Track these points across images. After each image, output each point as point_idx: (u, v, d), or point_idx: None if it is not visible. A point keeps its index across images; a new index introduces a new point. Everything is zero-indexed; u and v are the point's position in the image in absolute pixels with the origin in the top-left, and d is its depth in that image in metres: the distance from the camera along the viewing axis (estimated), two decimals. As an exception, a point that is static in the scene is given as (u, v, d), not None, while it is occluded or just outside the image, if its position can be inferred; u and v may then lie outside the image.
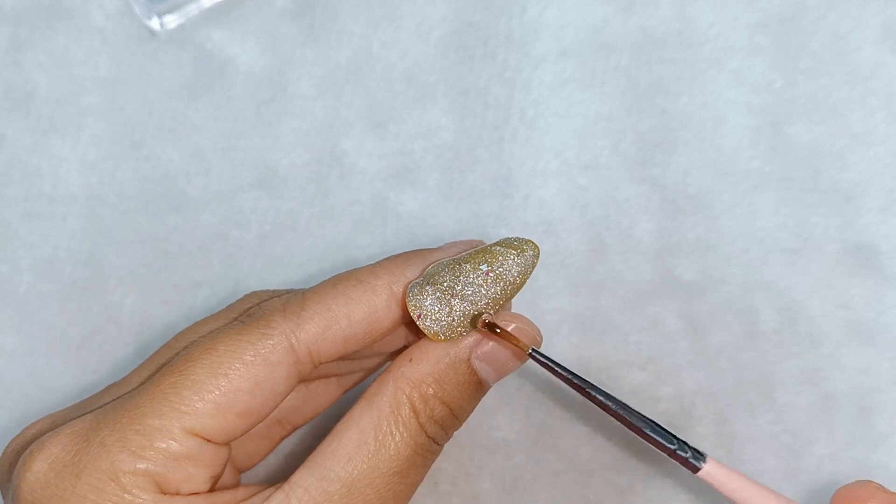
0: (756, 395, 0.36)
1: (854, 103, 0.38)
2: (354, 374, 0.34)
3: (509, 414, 0.36)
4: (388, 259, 0.29)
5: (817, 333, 0.36)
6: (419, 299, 0.28)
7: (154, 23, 0.39)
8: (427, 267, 0.29)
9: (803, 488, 0.35)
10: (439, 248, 0.30)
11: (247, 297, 0.31)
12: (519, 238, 0.29)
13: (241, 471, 0.33)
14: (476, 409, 0.36)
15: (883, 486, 0.30)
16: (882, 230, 0.37)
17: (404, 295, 0.28)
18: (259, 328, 0.27)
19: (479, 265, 0.28)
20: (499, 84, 0.39)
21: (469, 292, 0.28)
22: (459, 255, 0.29)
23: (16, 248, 0.38)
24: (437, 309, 0.28)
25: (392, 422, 0.27)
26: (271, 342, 0.27)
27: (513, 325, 0.29)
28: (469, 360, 0.28)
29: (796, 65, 0.39)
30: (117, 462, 0.25)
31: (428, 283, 0.28)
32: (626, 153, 0.38)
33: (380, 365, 0.34)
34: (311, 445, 0.35)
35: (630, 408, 0.30)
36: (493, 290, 0.28)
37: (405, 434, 0.27)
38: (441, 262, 0.29)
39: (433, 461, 0.29)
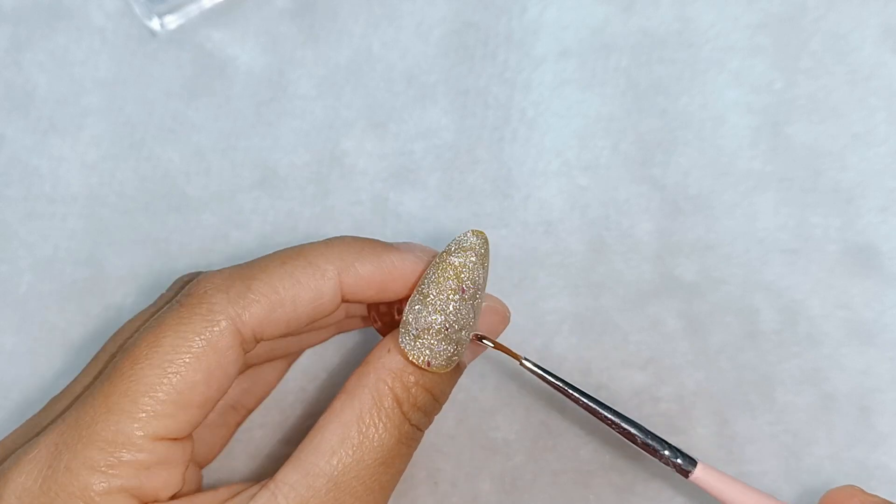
0: (756, 395, 0.36)
1: (854, 103, 0.38)
2: (299, 349, 0.34)
3: (509, 414, 0.36)
4: (340, 242, 0.28)
5: (817, 333, 0.36)
6: (421, 352, 0.27)
7: (154, 23, 0.39)
8: (406, 311, 0.28)
9: (803, 489, 0.35)
10: (395, 248, 0.29)
11: (177, 280, 0.31)
12: (461, 237, 0.29)
13: (201, 466, 0.32)
14: (476, 410, 0.36)
15: (863, 490, 0.31)
16: (882, 230, 0.37)
17: (389, 332, 0.28)
18: (201, 313, 0.26)
19: (450, 287, 0.28)
20: (499, 84, 0.39)
21: (458, 318, 0.28)
22: (425, 285, 0.28)
23: (16, 249, 0.38)
24: (443, 349, 0.28)
25: (375, 413, 0.27)
26: (217, 328, 0.26)
27: (484, 305, 0.29)
28: None
29: (796, 65, 0.39)
30: (89, 484, 0.24)
31: (421, 336, 0.27)
32: (626, 153, 0.38)
33: (325, 339, 0.34)
34: (295, 442, 0.36)
35: (621, 414, 0.30)
36: (472, 300, 0.28)
37: (388, 424, 0.27)
38: (416, 306, 0.28)
39: (416, 447, 0.29)
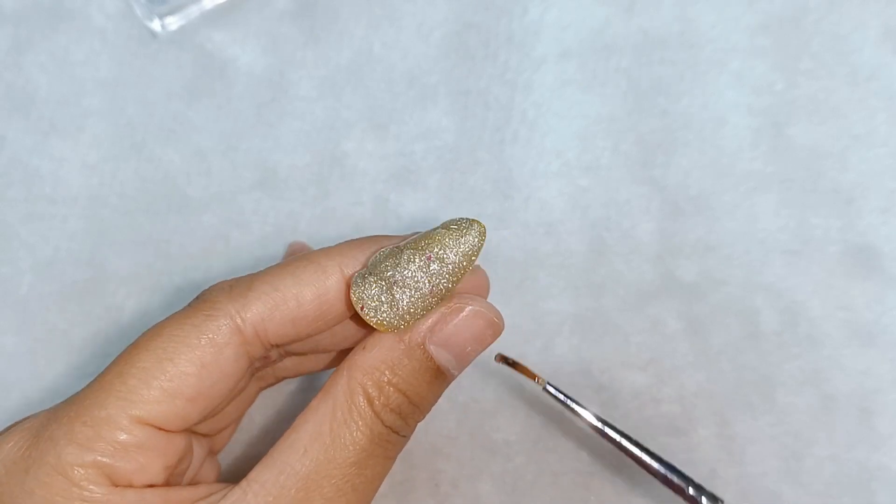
0: (757, 396, 0.36)
1: (855, 104, 0.38)
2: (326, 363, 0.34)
3: (510, 416, 0.36)
4: (344, 242, 0.29)
5: (818, 334, 0.37)
6: (361, 290, 0.27)
7: (155, 24, 0.39)
8: (370, 256, 0.28)
9: (804, 489, 0.35)
10: (397, 236, 0.29)
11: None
12: (462, 219, 0.28)
13: (215, 452, 0.32)
14: (477, 411, 0.36)
15: None
16: (883, 231, 0.37)
17: (349, 287, 0.28)
18: (203, 310, 0.27)
19: (420, 251, 0.27)
20: (500, 85, 0.39)
21: (410, 280, 0.27)
22: (401, 243, 0.28)
23: (17, 249, 0.38)
24: (380, 298, 0.27)
25: (346, 411, 0.27)
26: (216, 323, 0.26)
27: (469, 308, 0.28)
28: (423, 344, 0.28)
29: (797, 66, 0.39)
30: (65, 455, 0.25)
31: (370, 274, 0.27)
32: (627, 154, 0.38)
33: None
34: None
35: (648, 450, 0.30)
36: (436, 275, 0.27)
37: (360, 423, 0.27)
38: (382, 251, 0.28)
39: (396, 452, 0.28)
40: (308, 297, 0.27)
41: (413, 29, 0.39)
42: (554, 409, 0.36)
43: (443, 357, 0.28)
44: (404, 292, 0.27)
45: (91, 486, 0.25)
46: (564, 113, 0.39)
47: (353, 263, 0.28)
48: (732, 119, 0.38)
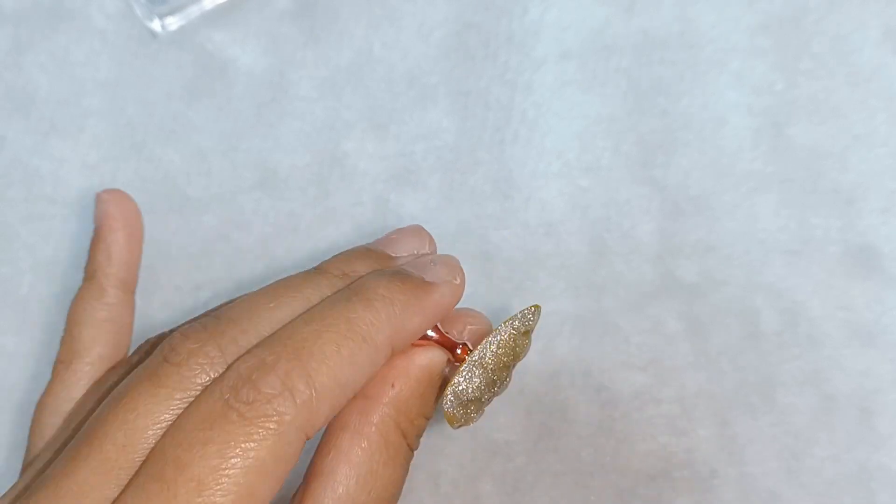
0: (757, 396, 0.36)
1: (855, 105, 0.38)
2: None
3: (510, 416, 0.36)
4: (384, 302, 0.26)
5: (818, 335, 0.37)
6: (467, 419, 0.29)
7: (155, 24, 0.39)
8: (456, 377, 0.29)
9: (804, 490, 0.35)
10: (433, 287, 0.28)
11: (144, 343, 0.30)
12: (529, 313, 0.30)
13: None
14: (478, 411, 0.36)
15: None
16: (883, 231, 0.37)
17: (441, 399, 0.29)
18: (269, 425, 0.23)
19: (511, 373, 0.30)
20: (500, 85, 0.39)
21: (500, 391, 0.30)
22: (489, 365, 0.29)
23: (17, 250, 0.38)
24: (475, 415, 0.30)
25: (385, 451, 0.27)
26: (291, 450, 0.23)
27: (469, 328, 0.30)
28: (443, 371, 0.29)
29: (797, 66, 0.39)
30: None
31: (471, 407, 0.29)
32: (627, 155, 0.38)
33: None
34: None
35: None
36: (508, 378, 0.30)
37: (398, 459, 0.27)
38: (472, 378, 0.29)
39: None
40: (363, 380, 0.26)
41: (413, 29, 0.40)
42: (556, 410, 0.36)
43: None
44: (490, 400, 0.30)
45: None
46: (565, 113, 0.39)
47: (401, 335, 0.27)
48: (732, 119, 0.38)
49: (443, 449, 0.36)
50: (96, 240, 0.34)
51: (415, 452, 0.29)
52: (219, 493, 0.22)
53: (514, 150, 0.38)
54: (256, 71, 0.39)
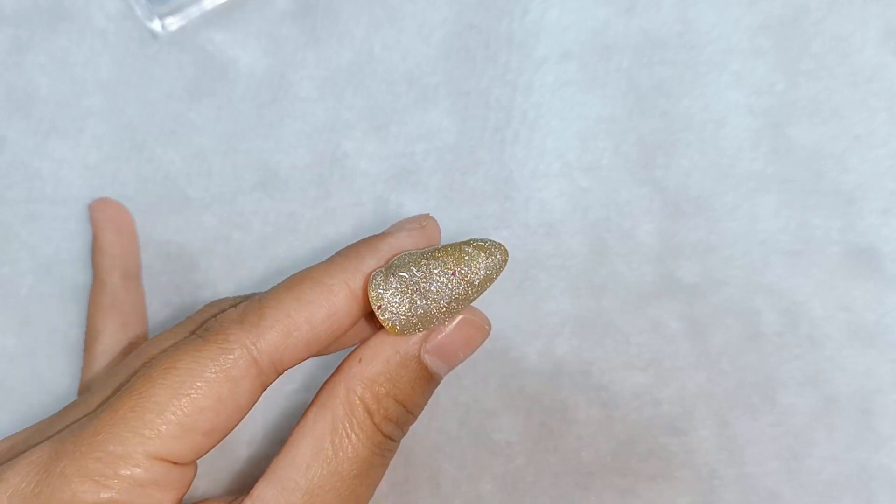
0: (757, 397, 0.36)
1: (856, 105, 0.38)
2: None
3: (511, 416, 0.36)
4: (340, 254, 0.29)
5: (819, 335, 0.37)
6: (382, 290, 0.28)
7: (155, 25, 0.39)
8: (393, 256, 0.29)
9: (804, 490, 0.36)
10: (388, 233, 0.30)
11: (206, 307, 0.31)
12: (490, 241, 0.29)
13: None
14: (478, 411, 0.36)
15: None
16: (884, 232, 0.37)
17: (366, 284, 0.28)
18: (218, 343, 0.26)
19: (448, 265, 0.28)
20: (500, 86, 0.39)
21: (433, 290, 0.28)
22: (428, 251, 0.29)
23: (17, 250, 0.38)
24: (398, 301, 0.28)
25: (347, 425, 0.27)
26: (232, 357, 0.26)
27: (459, 317, 0.29)
28: (419, 355, 0.28)
29: (798, 66, 0.39)
30: (80, 493, 0.24)
31: (392, 275, 0.28)
32: (627, 155, 0.38)
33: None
34: (269, 453, 0.36)
35: None
36: (457, 290, 0.28)
37: (361, 436, 0.27)
38: (409, 254, 0.28)
39: (391, 457, 0.29)
40: (319, 318, 0.27)
41: (414, 30, 0.40)
42: (556, 410, 0.36)
43: (436, 364, 0.29)
44: (423, 302, 0.28)
45: None
46: (565, 114, 0.39)
47: (356, 277, 0.28)
48: (733, 120, 0.39)
49: (444, 448, 0.36)
50: (93, 244, 0.37)
51: (396, 443, 0.29)
52: (159, 385, 0.25)
53: (514, 151, 0.38)
54: (257, 71, 0.39)
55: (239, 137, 0.39)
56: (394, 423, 0.28)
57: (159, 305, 0.37)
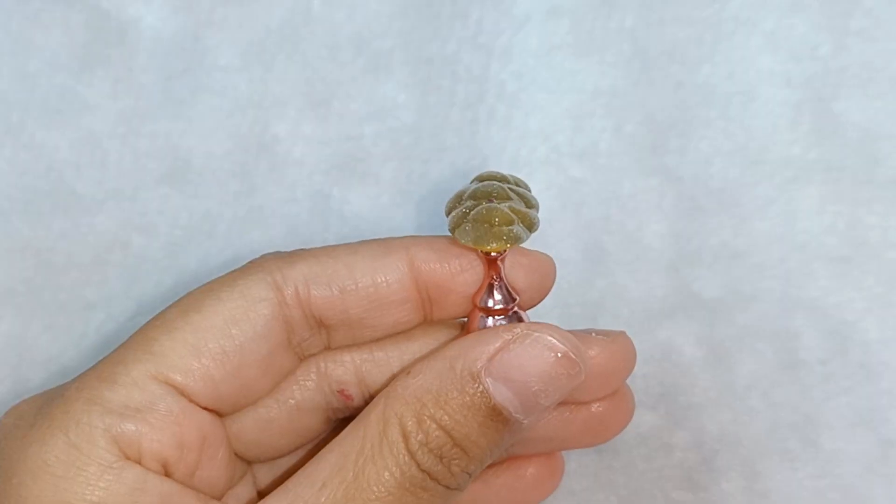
0: (796, 441, 0.36)
1: (921, 73, 0.38)
2: None
3: (483, 467, 0.36)
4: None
5: (874, 364, 0.37)
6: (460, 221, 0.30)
7: (37, -25, 0.39)
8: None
9: (856, 560, 0.36)
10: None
11: None
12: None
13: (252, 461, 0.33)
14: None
15: None
16: (956, 234, 0.37)
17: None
18: (243, 268, 0.30)
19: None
20: (471, 51, 0.39)
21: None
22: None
23: None
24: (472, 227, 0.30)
25: (377, 443, 0.27)
26: (252, 276, 0.29)
27: (535, 334, 0.29)
28: (479, 374, 0.28)
29: (847, 25, 0.39)
30: (71, 412, 0.27)
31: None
32: (632, 137, 0.38)
33: None
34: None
35: None
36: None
37: (389, 460, 0.27)
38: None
39: None
40: (361, 265, 0.30)
41: (362, -20, 0.40)
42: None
43: (502, 394, 0.28)
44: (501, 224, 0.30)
45: (88, 446, 0.27)
46: (553, 86, 0.39)
47: (424, 249, 0.31)
48: (765, 92, 0.38)
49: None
50: None
51: (443, 490, 0.28)
52: (172, 312, 0.29)
53: (489, 133, 0.39)
54: (164, 34, 0.39)
55: (141, 118, 0.39)
56: (436, 455, 0.28)
57: (39, 329, 0.38)
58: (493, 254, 0.30)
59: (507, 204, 0.30)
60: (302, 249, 0.31)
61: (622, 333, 0.32)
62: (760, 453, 0.36)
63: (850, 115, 0.38)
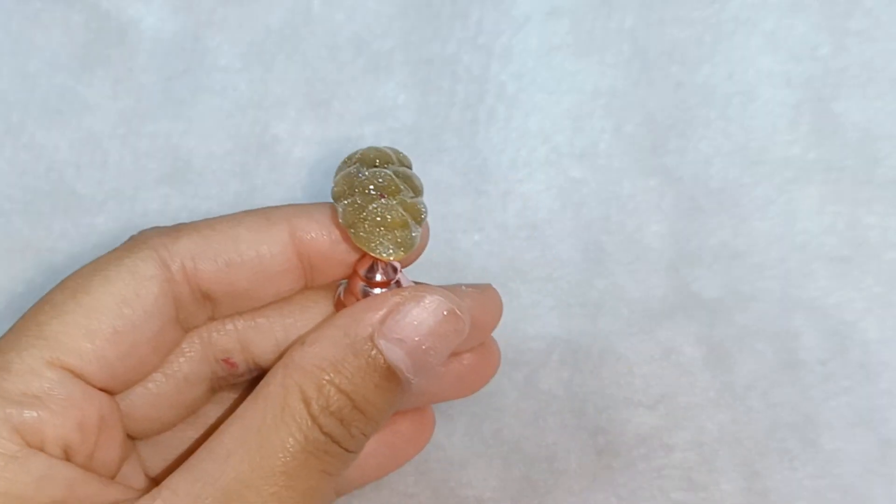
0: (795, 441, 0.36)
1: (920, 74, 0.38)
2: None
3: (483, 467, 0.36)
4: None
5: (874, 364, 0.37)
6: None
7: (37, -24, 0.39)
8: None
9: (855, 560, 0.36)
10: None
11: None
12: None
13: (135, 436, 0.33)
14: (441, 462, 0.36)
15: None
16: (956, 234, 0.38)
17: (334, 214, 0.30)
18: (127, 245, 0.29)
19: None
20: (471, 51, 0.39)
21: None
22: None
23: None
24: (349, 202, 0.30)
25: (278, 412, 0.28)
26: (139, 254, 0.29)
27: (425, 296, 0.29)
28: (372, 338, 0.29)
29: (847, 25, 0.39)
30: None
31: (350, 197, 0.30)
32: (631, 137, 0.39)
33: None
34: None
35: None
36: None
37: (293, 427, 0.28)
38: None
39: (336, 469, 0.29)
40: (246, 237, 0.30)
41: (362, -19, 0.40)
42: (540, 460, 0.36)
43: (394, 355, 0.29)
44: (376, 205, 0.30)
45: (5, 442, 0.26)
46: (553, 86, 0.39)
47: (305, 223, 0.30)
48: (765, 93, 0.39)
49: (398, 509, 0.36)
50: None
51: (343, 453, 0.29)
52: (61, 294, 0.28)
53: (488, 133, 0.39)
54: (164, 35, 0.39)
55: (141, 118, 0.39)
56: (337, 418, 0.28)
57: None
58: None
59: (397, 199, 0.30)
60: (182, 224, 0.31)
61: (489, 286, 0.32)
62: (760, 453, 0.36)
63: (850, 115, 0.38)
